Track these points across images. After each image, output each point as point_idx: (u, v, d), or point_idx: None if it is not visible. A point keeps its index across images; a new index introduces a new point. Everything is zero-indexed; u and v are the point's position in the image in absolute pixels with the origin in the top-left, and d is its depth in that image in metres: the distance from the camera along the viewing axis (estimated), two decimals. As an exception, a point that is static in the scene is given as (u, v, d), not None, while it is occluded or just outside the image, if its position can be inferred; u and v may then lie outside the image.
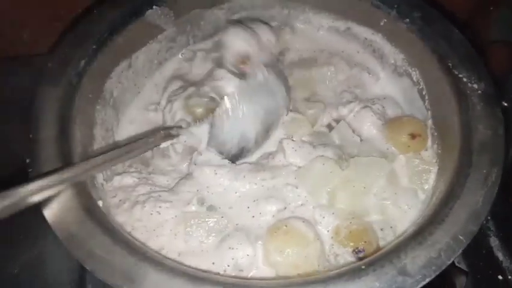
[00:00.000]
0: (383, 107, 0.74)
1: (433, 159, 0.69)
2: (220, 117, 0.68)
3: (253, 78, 0.69)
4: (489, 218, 0.75)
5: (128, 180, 0.68)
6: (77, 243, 0.52)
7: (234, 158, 0.70)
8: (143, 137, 0.67)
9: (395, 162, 0.69)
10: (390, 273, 0.49)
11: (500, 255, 0.73)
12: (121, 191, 0.67)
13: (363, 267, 0.50)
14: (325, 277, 0.50)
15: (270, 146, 0.72)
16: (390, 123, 0.72)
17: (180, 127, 0.71)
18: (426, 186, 0.66)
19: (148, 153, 0.72)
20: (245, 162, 0.70)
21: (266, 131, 0.71)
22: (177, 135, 0.70)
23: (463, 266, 0.73)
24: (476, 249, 0.73)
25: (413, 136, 0.69)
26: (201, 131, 0.70)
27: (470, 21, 0.91)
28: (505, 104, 0.71)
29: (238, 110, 0.68)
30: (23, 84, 0.87)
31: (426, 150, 0.70)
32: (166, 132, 0.69)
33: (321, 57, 0.82)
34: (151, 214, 0.63)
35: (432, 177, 0.67)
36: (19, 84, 0.89)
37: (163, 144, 0.69)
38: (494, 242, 0.75)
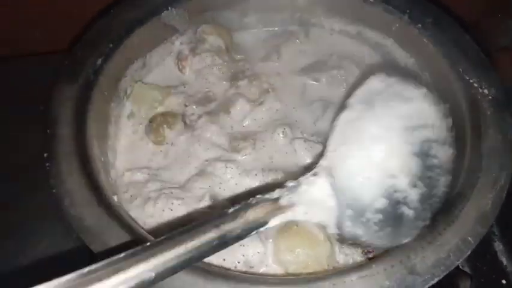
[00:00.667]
0: None
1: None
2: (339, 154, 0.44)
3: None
4: (494, 223, 0.75)
5: (139, 176, 0.69)
6: (93, 236, 0.53)
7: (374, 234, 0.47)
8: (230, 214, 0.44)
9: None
10: (400, 272, 0.50)
11: (504, 260, 0.74)
12: (131, 187, 0.68)
13: (373, 265, 0.51)
14: (335, 275, 0.51)
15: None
16: None
17: (289, 187, 0.47)
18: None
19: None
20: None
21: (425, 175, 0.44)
22: (291, 206, 0.46)
23: (467, 270, 0.73)
24: (480, 254, 0.74)
25: None
26: (319, 187, 0.46)
27: (478, 27, 0.92)
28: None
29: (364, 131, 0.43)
30: (36, 81, 0.89)
31: None
32: (269, 201, 0.45)
33: (331, 60, 0.82)
34: (163, 211, 0.64)
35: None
36: (32, 81, 0.90)
37: (271, 224, 0.46)
38: (498, 246, 0.75)
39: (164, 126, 0.72)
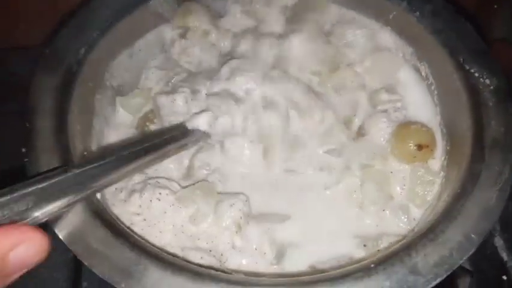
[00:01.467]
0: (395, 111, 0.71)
1: (442, 157, 0.67)
2: None
3: None
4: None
5: None
6: (75, 238, 0.50)
7: None
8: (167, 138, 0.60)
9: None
10: (401, 272, 0.48)
11: (504, 256, 0.72)
12: None
13: (372, 265, 0.49)
14: (334, 276, 0.49)
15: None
16: (396, 132, 0.68)
17: (207, 135, 0.67)
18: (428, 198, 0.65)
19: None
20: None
21: None
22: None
23: (467, 266, 0.71)
24: (480, 249, 0.71)
25: (419, 147, 0.66)
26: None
27: (474, 18, 0.91)
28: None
29: None
30: (19, 74, 0.85)
31: (434, 158, 0.68)
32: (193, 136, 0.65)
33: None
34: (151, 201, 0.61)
35: (437, 186, 0.65)
36: (15, 74, 0.89)
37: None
38: (498, 242, 0.73)
39: (147, 124, 0.72)
